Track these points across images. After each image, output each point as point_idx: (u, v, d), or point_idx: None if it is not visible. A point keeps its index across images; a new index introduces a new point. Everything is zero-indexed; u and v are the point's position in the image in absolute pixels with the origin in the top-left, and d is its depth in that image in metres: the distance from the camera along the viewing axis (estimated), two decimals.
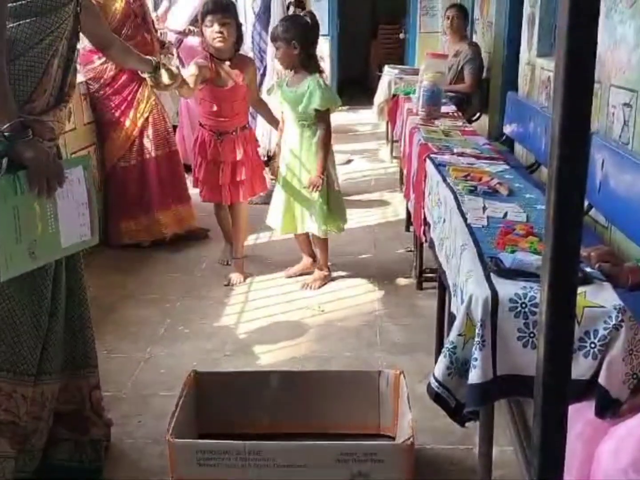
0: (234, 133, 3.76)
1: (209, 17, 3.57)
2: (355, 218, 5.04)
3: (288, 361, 3.00)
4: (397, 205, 5.32)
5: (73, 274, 2.19)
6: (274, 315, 3.48)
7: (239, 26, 3.72)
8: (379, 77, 7.43)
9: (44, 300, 2.05)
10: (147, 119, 4.27)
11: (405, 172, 4.05)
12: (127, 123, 4.24)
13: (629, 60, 3.24)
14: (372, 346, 3.13)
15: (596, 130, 3.53)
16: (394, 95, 5.94)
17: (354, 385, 2.39)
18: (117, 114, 4.23)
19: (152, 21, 4.58)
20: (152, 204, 4.33)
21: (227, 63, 3.68)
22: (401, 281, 3.88)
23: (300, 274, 3.95)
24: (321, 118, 3.56)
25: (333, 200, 3.71)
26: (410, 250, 4.15)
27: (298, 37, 3.52)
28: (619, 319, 1.61)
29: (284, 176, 3.74)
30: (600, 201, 3.27)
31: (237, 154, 3.77)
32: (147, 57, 3.12)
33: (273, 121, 3.99)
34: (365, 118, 9.20)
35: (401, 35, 11.21)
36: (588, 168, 0.99)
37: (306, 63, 3.57)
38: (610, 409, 1.61)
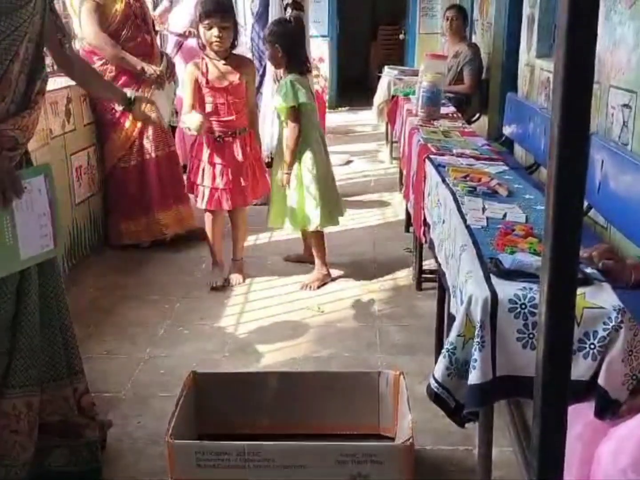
0: (233, 135, 3.67)
1: (208, 20, 3.48)
2: (355, 219, 5.05)
3: (288, 362, 3.00)
4: (396, 206, 5.32)
5: (49, 280, 2.12)
6: (273, 315, 3.48)
7: (236, 27, 3.65)
8: (379, 78, 7.43)
9: (3, 312, 1.99)
10: None
11: (404, 172, 4.05)
12: (127, 124, 4.23)
13: (628, 61, 3.24)
14: (372, 347, 3.13)
15: (595, 131, 3.53)
16: (394, 96, 5.94)
17: (353, 386, 2.39)
18: (117, 115, 4.21)
19: (153, 22, 4.58)
20: (152, 204, 4.32)
21: (222, 62, 3.62)
22: (401, 282, 3.88)
23: (297, 261, 4.10)
24: (288, 116, 3.62)
25: (313, 198, 3.70)
26: (410, 251, 4.15)
27: (281, 39, 3.60)
28: (619, 320, 1.61)
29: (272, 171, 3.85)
30: (600, 202, 3.27)
31: (238, 156, 3.68)
32: (124, 89, 2.95)
33: (256, 135, 3.88)
34: (365, 119, 9.21)
35: (401, 36, 11.22)
36: (587, 169, 0.99)
37: (288, 64, 3.64)
38: (609, 409, 1.61)
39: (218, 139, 3.67)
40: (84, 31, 4.09)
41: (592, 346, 1.63)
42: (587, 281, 1.71)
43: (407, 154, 3.81)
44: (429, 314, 3.25)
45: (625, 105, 3.25)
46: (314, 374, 2.54)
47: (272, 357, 3.05)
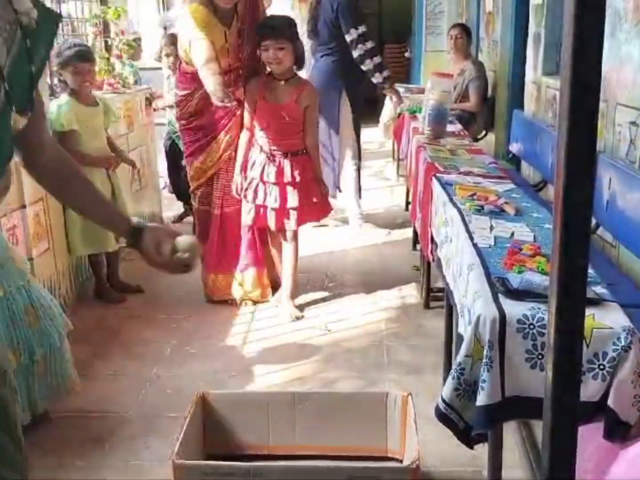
0: (285, 155, 3.57)
1: (263, 42, 3.47)
2: (362, 236, 5.04)
3: (294, 382, 2.98)
4: (403, 224, 5.30)
5: None
6: (280, 335, 3.47)
7: (296, 48, 3.53)
8: (385, 96, 7.45)
9: None
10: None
11: (411, 191, 4.04)
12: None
13: (634, 78, 3.24)
14: (379, 366, 3.11)
15: (603, 149, 3.53)
16: (400, 114, 5.95)
17: (361, 407, 2.37)
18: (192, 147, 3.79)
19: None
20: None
21: (283, 82, 3.56)
22: (408, 300, 3.87)
23: None
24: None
25: None
26: (418, 269, 4.13)
27: None
28: (628, 340, 1.60)
29: None
30: (608, 220, 3.25)
31: (286, 176, 3.56)
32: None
33: (314, 159, 3.67)
34: (371, 136, 9.21)
35: (407, 54, 11.26)
36: (595, 187, 0.99)
37: None
38: (619, 431, 1.59)
39: (269, 155, 3.59)
40: (194, 62, 3.58)
41: (601, 367, 1.61)
42: (596, 301, 1.70)
43: (413, 172, 3.81)
44: (436, 333, 3.23)
45: (633, 123, 3.24)
46: (322, 395, 2.51)
47: (279, 377, 3.04)
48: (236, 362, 3.19)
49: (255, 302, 3.85)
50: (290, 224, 3.66)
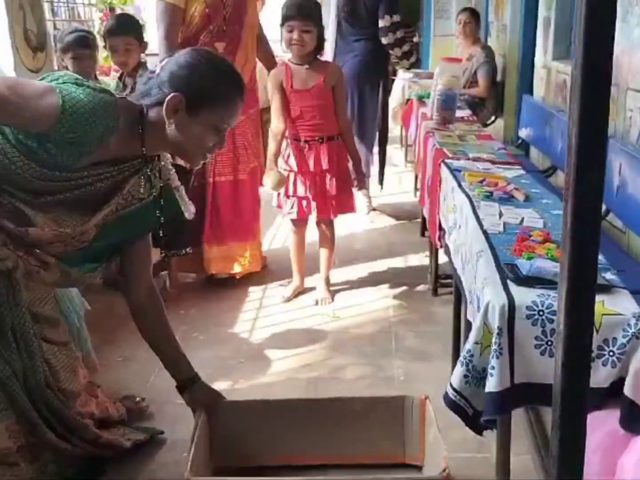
0: (321, 141, 3.50)
1: (289, 22, 3.37)
2: (370, 223, 5.03)
3: (303, 368, 2.98)
4: (411, 210, 5.29)
5: None
6: (288, 321, 3.47)
7: (320, 32, 3.46)
8: (393, 81, 7.41)
9: None
10: None
11: (420, 177, 4.03)
12: None
13: None
14: (388, 353, 3.11)
15: (613, 134, 3.50)
16: (408, 99, 5.92)
17: (376, 412, 2.26)
18: None
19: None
20: (201, 235, 3.81)
21: (306, 66, 3.47)
22: (416, 287, 3.86)
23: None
24: None
25: None
26: (426, 256, 4.12)
27: None
28: (638, 326, 1.59)
29: None
30: (618, 206, 3.23)
31: (324, 162, 3.50)
32: None
33: (349, 144, 3.63)
34: None
35: (415, 39, 11.19)
36: (605, 173, 0.98)
37: None
38: (638, 421, 1.57)
39: (304, 144, 3.51)
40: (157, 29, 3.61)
41: (611, 353, 1.61)
42: (606, 288, 1.69)
43: (422, 158, 3.79)
44: (445, 320, 3.23)
45: None
46: (334, 401, 2.35)
47: (287, 364, 3.04)
48: (244, 348, 3.20)
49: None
50: (329, 214, 3.60)
